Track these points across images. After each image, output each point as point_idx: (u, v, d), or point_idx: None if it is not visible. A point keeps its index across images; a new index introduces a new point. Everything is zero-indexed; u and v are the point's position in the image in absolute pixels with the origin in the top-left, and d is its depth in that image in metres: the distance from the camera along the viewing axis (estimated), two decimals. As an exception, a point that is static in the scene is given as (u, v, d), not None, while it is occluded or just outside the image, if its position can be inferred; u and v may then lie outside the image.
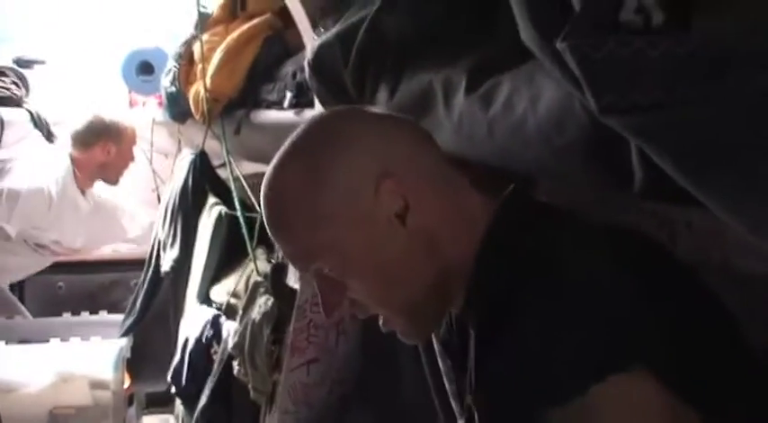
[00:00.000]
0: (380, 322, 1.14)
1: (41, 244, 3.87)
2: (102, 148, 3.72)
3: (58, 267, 4.37)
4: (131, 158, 3.87)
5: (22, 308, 4.16)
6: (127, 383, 3.95)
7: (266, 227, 1.13)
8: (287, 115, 2.20)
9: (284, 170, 1.11)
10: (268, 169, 1.14)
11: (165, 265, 3.17)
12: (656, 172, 0.85)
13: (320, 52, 1.66)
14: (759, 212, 0.65)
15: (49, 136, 3.99)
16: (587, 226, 1.07)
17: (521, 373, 0.92)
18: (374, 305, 1.10)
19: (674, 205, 1.08)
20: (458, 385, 1.36)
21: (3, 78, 3.82)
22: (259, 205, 2.53)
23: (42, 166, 3.70)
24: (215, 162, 3.20)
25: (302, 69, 1.96)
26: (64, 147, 3.81)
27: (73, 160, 3.75)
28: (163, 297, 3.51)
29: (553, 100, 1.04)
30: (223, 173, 3.08)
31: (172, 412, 3.70)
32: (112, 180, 3.89)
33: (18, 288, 4.38)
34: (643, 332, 0.88)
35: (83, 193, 3.83)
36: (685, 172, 0.68)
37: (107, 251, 4.42)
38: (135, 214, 4.16)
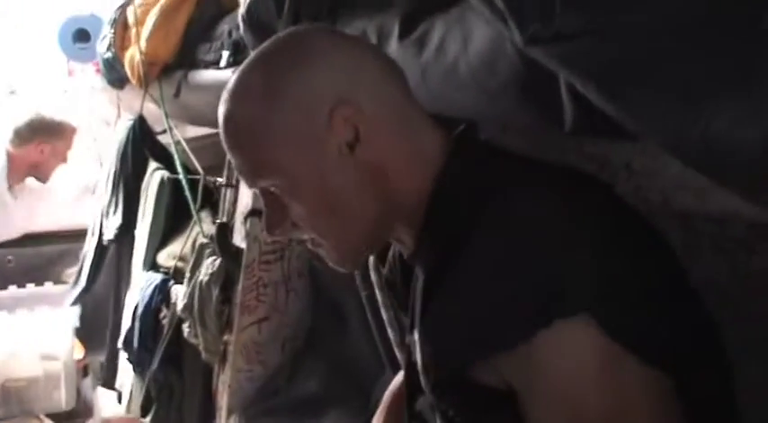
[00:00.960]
0: (309, 244, 1.11)
1: None
2: (36, 147, 3.69)
3: (5, 242, 4.32)
4: (64, 160, 3.84)
5: None
6: (80, 355, 3.92)
7: (221, 139, 1.07)
8: (225, 74, 2.18)
9: (243, 80, 1.05)
10: (230, 78, 1.08)
11: (108, 232, 3.13)
12: (584, 106, 0.87)
13: (253, 5, 1.65)
14: (673, 123, 0.66)
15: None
16: (540, 167, 1.03)
17: (466, 316, 0.91)
18: (313, 231, 1.07)
19: (601, 139, 1.08)
20: (401, 333, 1.35)
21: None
22: (202, 169, 2.54)
23: None
24: (157, 128, 3.16)
25: (238, 27, 1.94)
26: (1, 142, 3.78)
27: (8, 155, 3.73)
28: (111, 266, 3.48)
29: (484, 41, 1.05)
30: (165, 140, 3.05)
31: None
32: (43, 178, 3.86)
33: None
34: (592, 279, 0.86)
35: (10, 188, 3.81)
36: (607, 94, 0.69)
37: (50, 224, 4.37)
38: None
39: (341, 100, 1.00)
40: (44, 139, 3.70)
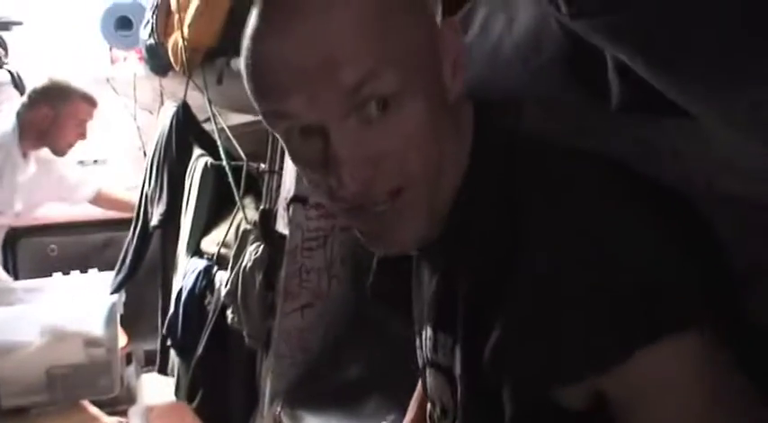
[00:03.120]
0: (382, 206, 0.90)
1: None
2: (39, 110, 3.52)
3: (49, 230, 4.36)
4: (74, 133, 3.61)
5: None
6: (124, 342, 3.96)
7: (283, 35, 0.83)
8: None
9: None
10: None
11: (154, 219, 3.16)
12: (631, 81, 0.85)
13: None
14: (728, 97, 0.64)
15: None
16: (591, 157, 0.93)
17: (559, 330, 0.79)
18: (407, 164, 0.87)
19: (646, 122, 1.06)
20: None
21: (-21, 39, 3.77)
22: (245, 155, 2.55)
23: None
24: (200, 117, 3.17)
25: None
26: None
27: (18, 118, 3.57)
28: (155, 254, 3.50)
29: (529, 19, 1.04)
30: (208, 127, 3.06)
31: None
32: (56, 150, 3.65)
33: (11, 252, 4.37)
34: (685, 285, 0.78)
35: (24, 155, 3.64)
36: (655, 66, 0.68)
37: (97, 211, 4.40)
38: (84, 179, 4.03)
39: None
40: (48, 103, 3.53)
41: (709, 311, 0.78)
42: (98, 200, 4.05)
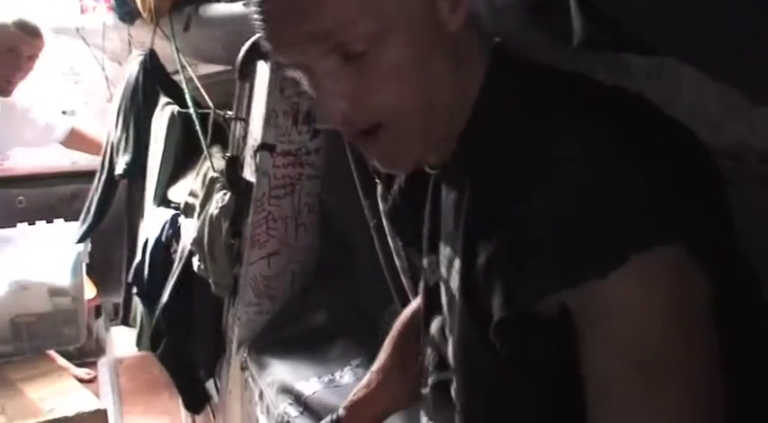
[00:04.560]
0: (358, 139, 0.96)
1: None
2: None
3: (16, 182, 4.33)
4: (9, 64, 3.42)
5: None
6: (92, 294, 3.95)
7: None
8: (236, 8, 2.15)
9: None
10: None
11: (119, 168, 3.12)
12: (594, 17, 0.85)
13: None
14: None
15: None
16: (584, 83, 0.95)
17: (548, 243, 0.82)
18: (383, 105, 0.91)
19: (611, 67, 1.06)
20: (408, 260, 1.32)
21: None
22: (214, 106, 2.53)
23: None
24: (168, 68, 3.14)
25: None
26: None
27: None
28: (121, 206, 3.48)
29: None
30: (177, 79, 3.03)
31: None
32: None
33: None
34: (687, 206, 0.80)
35: None
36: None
37: (66, 163, 4.36)
38: (54, 120, 3.93)
39: None
40: None
41: (704, 236, 0.80)
42: (71, 140, 3.93)
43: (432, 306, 1.17)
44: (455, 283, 1.02)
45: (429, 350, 1.20)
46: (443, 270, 1.08)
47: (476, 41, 0.97)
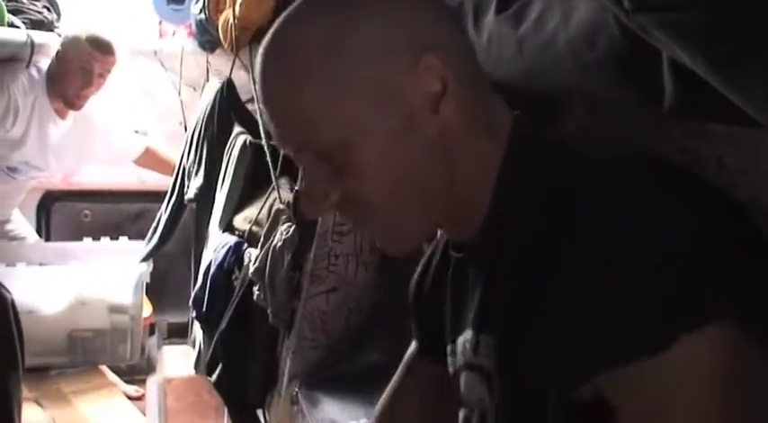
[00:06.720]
0: (355, 225, 1.01)
1: (12, 167, 3.64)
2: (53, 57, 3.48)
3: (85, 195, 4.41)
4: (79, 79, 3.46)
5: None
6: (149, 312, 3.99)
7: (260, 85, 0.94)
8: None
9: (306, 21, 0.92)
10: (280, 19, 0.95)
11: (190, 192, 3.18)
12: (687, 84, 0.84)
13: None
14: None
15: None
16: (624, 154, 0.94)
17: (593, 322, 0.78)
18: (365, 205, 0.94)
19: (703, 121, 1.05)
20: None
21: (34, 2, 3.75)
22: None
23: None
24: (243, 97, 3.19)
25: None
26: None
27: (48, 71, 3.53)
28: (187, 229, 3.52)
29: (586, 14, 1.03)
30: (251, 108, 3.08)
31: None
32: (66, 99, 3.53)
33: (45, 214, 4.42)
34: (734, 279, 0.77)
35: (57, 112, 3.57)
36: (717, 67, 0.66)
37: (134, 181, 4.43)
38: (129, 138, 4.01)
39: (428, 47, 0.91)
40: (60, 47, 3.48)
41: (751, 310, 0.77)
42: (146, 158, 4.01)
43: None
44: (489, 362, 0.99)
45: None
46: (482, 357, 1.03)
47: (482, 125, 0.96)
